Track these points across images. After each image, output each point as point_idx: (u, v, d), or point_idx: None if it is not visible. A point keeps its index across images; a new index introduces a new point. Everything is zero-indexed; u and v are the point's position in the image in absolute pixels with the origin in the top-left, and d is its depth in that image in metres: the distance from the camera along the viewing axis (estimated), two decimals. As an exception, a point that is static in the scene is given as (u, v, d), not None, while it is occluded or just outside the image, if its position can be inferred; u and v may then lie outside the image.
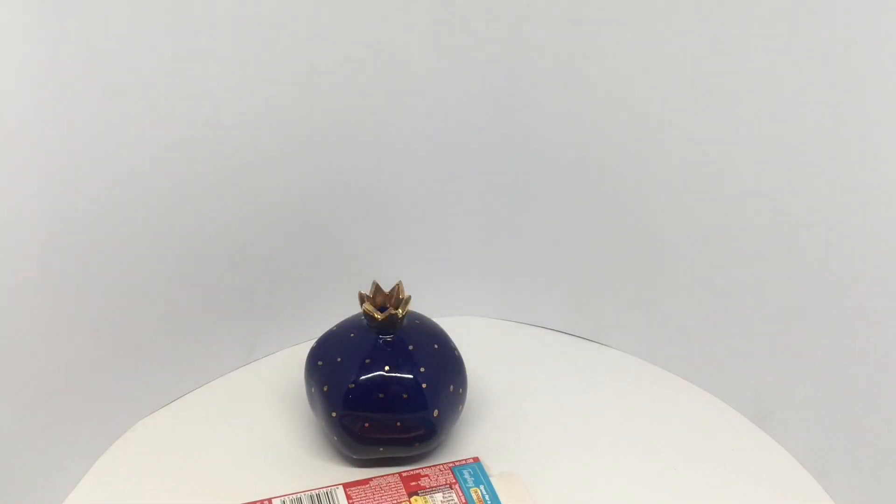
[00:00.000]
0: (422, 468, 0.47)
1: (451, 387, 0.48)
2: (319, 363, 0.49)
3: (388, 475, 0.47)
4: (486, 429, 0.53)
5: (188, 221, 0.53)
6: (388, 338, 0.48)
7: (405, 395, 0.47)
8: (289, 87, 0.55)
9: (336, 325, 0.51)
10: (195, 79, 0.51)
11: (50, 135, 0.45)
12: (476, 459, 0.48)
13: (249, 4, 0.51)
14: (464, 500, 0.45)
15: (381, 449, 0.48)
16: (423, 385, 0.47)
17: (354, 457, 0.49)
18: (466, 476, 0.46)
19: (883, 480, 0.44)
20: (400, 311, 0.48)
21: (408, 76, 0.57)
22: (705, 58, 0.49)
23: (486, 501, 0.45)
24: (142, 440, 0.52)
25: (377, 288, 0.50)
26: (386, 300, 0.50)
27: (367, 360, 0.47)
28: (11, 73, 0.42)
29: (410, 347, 0.48)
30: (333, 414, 0.47)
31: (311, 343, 0.55)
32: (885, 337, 0.43)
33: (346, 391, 0.47)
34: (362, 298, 0.49)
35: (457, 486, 0.46)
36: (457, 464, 0.48)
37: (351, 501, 0.45)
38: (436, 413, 0.48)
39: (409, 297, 0.49)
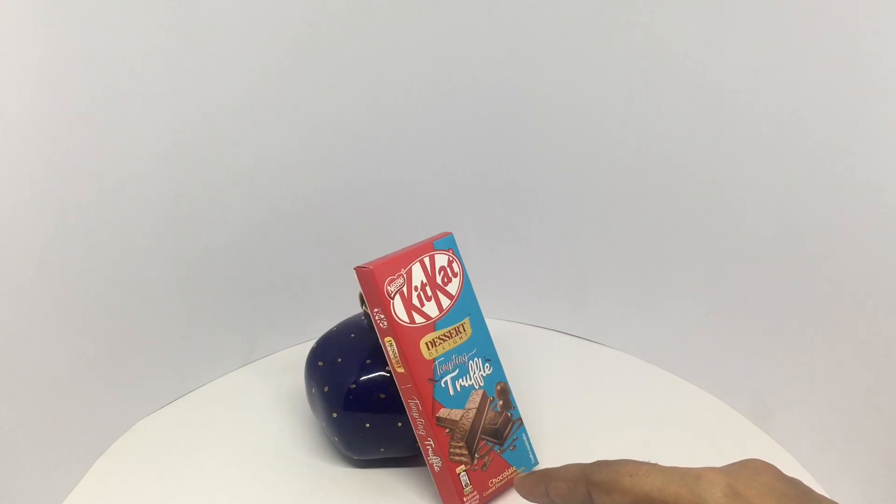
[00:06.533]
0: None
1: (452, 387, 0.48)
2: (320, 363, 0.49)
3: None
4: (486, 429, 0.53)
5: (189, 222, 0.53)
6: (389, 338, 0.48)
7: (406, 396, 0.47)
8: (292, 89, 0.55)
9: (336, 326, 0.51)
10: (199, 81, 0.51)
11: (51, 135, 0.45)
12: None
13: (255, 11, 0.51)
14: None
15: (382, 449, 0.48)
16: (424, 385, 0.47)
17: (355, 457, 0.49)
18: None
19: (883, 480, 0.44)
20: (400, 311, 0.48)
21: (409, 77, 0.57)
22: (704, 60, 0.49)
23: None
24: (142, 440, 0.52)
25: (377, 288, 0.50)
26: (386, 300, 0.50)
27: (368, 361, 0.47)
28: (12, 72, 0.42)
29: (411, 347, 0.48)
30: (334, 414, 0.47)
31: (312, 343, 0.55)
32: (885, 337, 0.43)
33: (346, 392, 0.47)
34: (362, 299, 0.49)
35: None
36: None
37: None
38: (436, 413, 0.47)
39: (410, 298, 0.48)
